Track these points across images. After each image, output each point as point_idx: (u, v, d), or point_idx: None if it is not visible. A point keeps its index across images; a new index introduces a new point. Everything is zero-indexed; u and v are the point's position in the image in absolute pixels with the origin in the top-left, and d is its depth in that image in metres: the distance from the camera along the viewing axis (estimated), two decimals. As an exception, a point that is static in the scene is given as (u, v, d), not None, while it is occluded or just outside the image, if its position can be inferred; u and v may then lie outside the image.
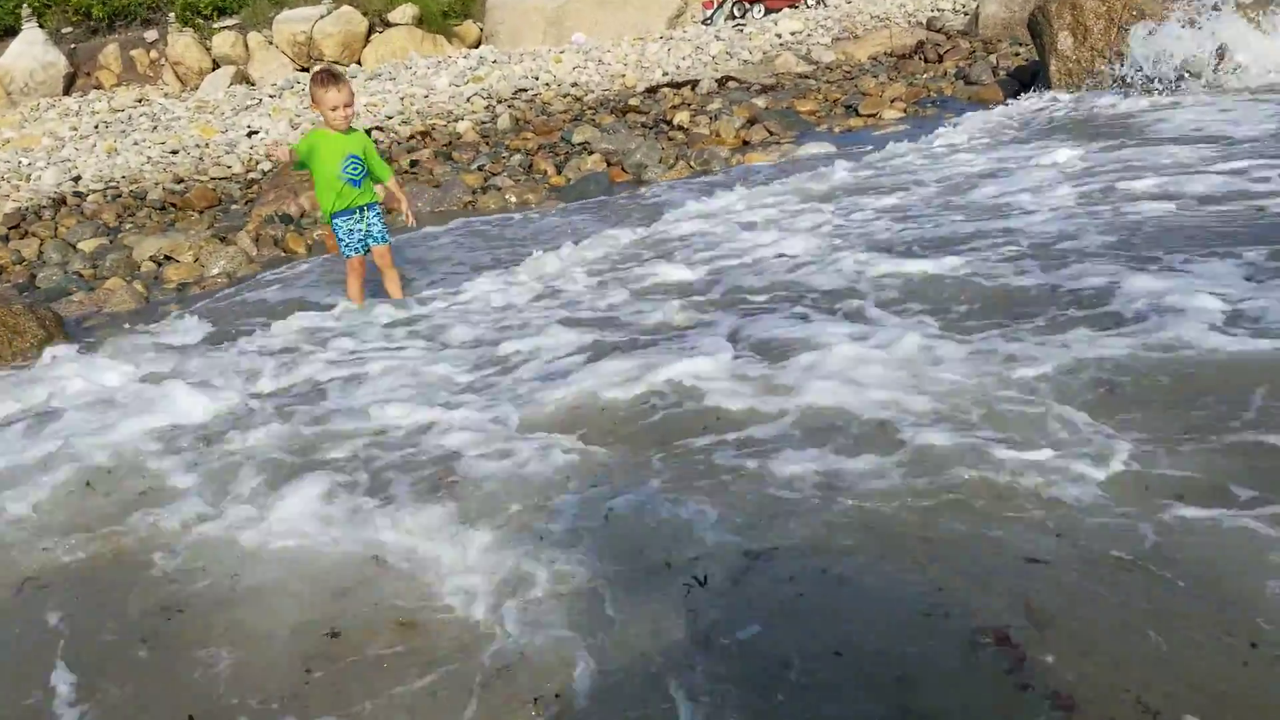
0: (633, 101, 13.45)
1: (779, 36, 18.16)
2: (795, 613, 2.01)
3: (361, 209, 5.68)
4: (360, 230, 5.70)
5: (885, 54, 15.02)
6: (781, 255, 5.26)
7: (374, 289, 5.90)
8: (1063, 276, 4.01)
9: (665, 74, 15.64)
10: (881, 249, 5.00)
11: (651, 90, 14.48)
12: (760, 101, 12.48)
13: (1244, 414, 2.55)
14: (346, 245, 5.73)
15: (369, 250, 5.78)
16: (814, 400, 3.01)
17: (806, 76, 14.30)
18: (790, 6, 22.41)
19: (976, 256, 4.53)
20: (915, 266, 4.47)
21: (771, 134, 10.79)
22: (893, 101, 11.64)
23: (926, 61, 14.20)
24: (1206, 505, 2.16)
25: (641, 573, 2.23)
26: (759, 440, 2.82)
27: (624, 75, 15.92)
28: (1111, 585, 1.95)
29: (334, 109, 5.45)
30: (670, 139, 11.16)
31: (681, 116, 11.90)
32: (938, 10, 19.22)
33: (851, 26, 18.33)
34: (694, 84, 14.29)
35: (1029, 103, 9.89)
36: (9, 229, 10.12)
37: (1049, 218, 5.15)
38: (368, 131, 13.11)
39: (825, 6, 22.17)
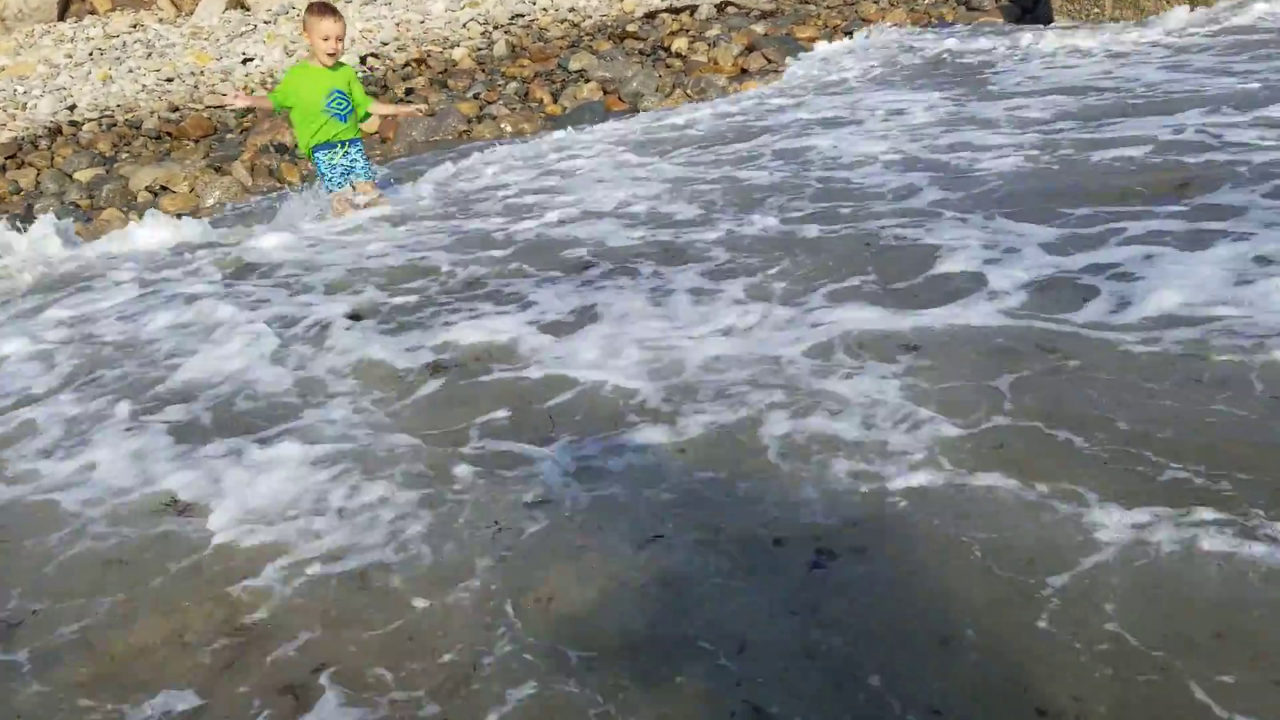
0: (631, 28, 13.31)
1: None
2: (582, 597, 1.97)
3: (344, 143, 5.71)
4: (343, 165, 5.73)
5: (888, -22, 14.78)
6: (594, 212, 5.05)
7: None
8: (877, 239, 3.86)
9: (664, -1, 15.44)
10: (703, 205, 4.85)
11: (650, 15, 14.30)
12: (759, 28, 12.33)
13: (1038, 387, 2.50)
14: (329, 180, 5.75)
15: (352, 186, 5.80)
16: (607, 377, 2.90)
17: (807, 1, 14.11)
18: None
19: (797, 214, 4.40)
20: (729, 226, 4.35)
21: (770, 61, 10.69)
22: (892, 26, 11.50)
23: (929, -14, 13.99)
24: (1002, 477, 2.13)
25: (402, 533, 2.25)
26: (546, 416, 2.76)
27: (624, 0, 15.70)
28: (911, 550, 1.96)
29: (325, 39, 5.48)
30: (668, 66, 11.07)
31: (679, 44, 11.78)
32: (943, -68, 18.83)
33: (855, -51, 18.00)
34: (693, 9, 14.11)
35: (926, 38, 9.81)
36: (5, 159, 10.14)
37: (881, 173, 4.96)
38: (363, 59, 13.01)
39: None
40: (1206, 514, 1.91)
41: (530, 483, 2.38)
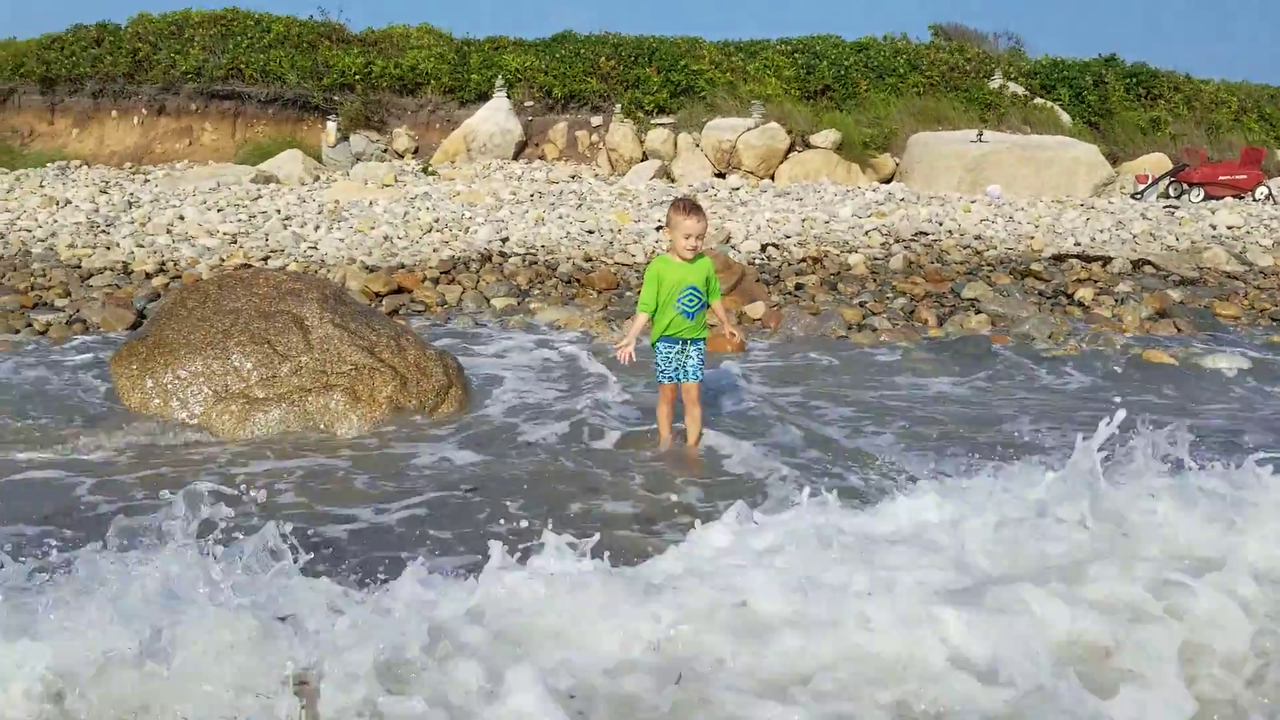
0: (1035, 266, 13.02)
1: (1213, 228, 16.90)
2: None
3: (685, 342, 5.72)
4: (678, 360, 5.74)
5: (1336, 269, 13.55)
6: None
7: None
8: None
9: (1077, 244, 15.03)
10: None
11: (1058, 258, 13.96)
12: (1175, 294, 11.65)
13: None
14: (661, 371, 5.78)
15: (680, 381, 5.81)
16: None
17: (1235, 277, 13.19)
18: (1235, 196, 20.79)
19: None
20: None
21: (1180, 331, 10.04)
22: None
23: (1386, 287, 12.64)
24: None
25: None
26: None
27: (1033, 237, 15.46)
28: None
29: (687, 236, 5.54)
30: (1067, 313, 10.69)
31: (1085, 293, 11.37)
32: None
33: (1302, 230, 16.71)
34: (1106, 260, 13.62)
35: None
36: (441, 273, 11.50)
37: None
38: (763, 247, 13.64)
39: (1276, 204, 20.37)
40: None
41: None
